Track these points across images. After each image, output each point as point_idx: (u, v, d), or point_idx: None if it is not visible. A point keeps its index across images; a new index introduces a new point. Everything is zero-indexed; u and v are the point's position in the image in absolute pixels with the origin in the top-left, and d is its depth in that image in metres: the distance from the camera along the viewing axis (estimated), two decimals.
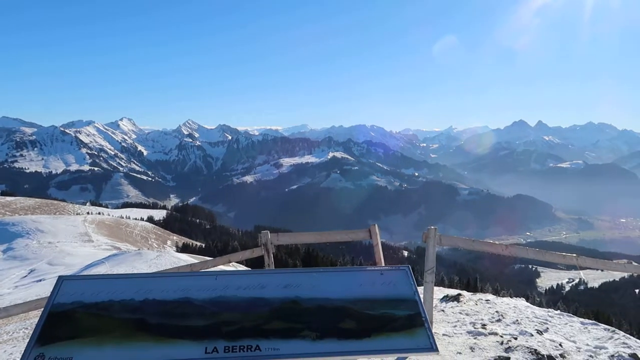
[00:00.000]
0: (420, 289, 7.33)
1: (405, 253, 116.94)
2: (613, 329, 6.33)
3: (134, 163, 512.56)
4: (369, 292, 2.97)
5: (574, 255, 5.21)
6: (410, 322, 2.82)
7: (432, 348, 2.70)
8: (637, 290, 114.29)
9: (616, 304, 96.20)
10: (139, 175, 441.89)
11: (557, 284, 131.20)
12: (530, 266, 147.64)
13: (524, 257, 5.64)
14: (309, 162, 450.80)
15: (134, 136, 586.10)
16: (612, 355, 4.90)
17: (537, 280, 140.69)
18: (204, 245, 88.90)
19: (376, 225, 5.72)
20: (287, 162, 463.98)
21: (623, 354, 4.92)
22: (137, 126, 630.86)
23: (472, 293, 8.59)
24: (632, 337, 6.02)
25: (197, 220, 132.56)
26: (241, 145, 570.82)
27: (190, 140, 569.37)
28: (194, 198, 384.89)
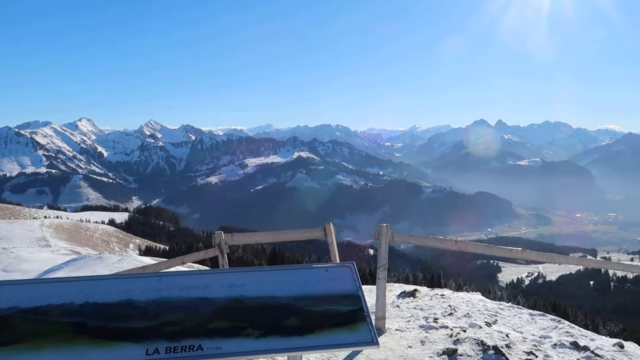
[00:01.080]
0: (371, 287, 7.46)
1: (371, 251, 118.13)
2: (559, 319, 6.61)
3: (94, 165, 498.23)
4: (314, 289, 3.02)
5: (520, 249, 5.42)
6: (353, 317, 2.88)
7: (373, 342, 2.77)
8: (591, 282, 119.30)
9: (573, 296, 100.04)
10: (99, 177, 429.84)
11: (518, 278, 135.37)
12: (491, 261, 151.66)
13: (473, 252, 5.81)
14: (275, 162, 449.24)
15: (93, 137, 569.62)
16: (555, 344, 5.13)
17: (498, 275, 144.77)
18: (168, 247, 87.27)
19: (331, 223, 5.79)
20: (253, 162, 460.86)
21: (565, 342, 5.15)
22: (97, 127, 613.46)
23: (429, 289, 8.78)
24: (575, 327, 6.31)
25: (161, 223, 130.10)
26: (205, 146, 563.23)
27: (153, 140, 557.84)
28: (157, 200, 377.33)
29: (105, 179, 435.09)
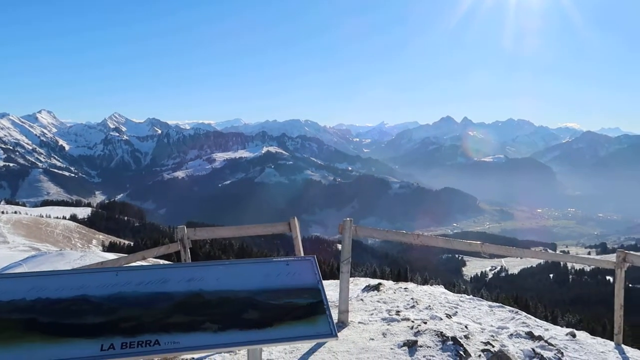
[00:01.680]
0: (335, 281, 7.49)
1: (339, 246, 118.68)
2: (516, 310, 6.83)
3: (55, 158, 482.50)
4: (274, 283, 3.02)
5: (479, 242, 5.57)
6: (313, 310, 2.90)
7: (332, 334, 2.80)
8: (551, 275, 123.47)
9: (534, 288, 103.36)
10: (60, 172, 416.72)
11: (481, 272, 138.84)
12: (456, 256, 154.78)
13: (435, 246, 5.93)
14: (243, 157, 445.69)
15: (54, 130, 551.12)
16: (512, 334, 5.30)
17: (463, 268, 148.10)
18: (132, 243, 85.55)
19: (295, 218, 5.80)
20: (220, 157, 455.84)
21: (521, 333, 5.33)
22: (58, 119, 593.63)
23: (394, 282, 8.92)
24: (531, 317, 6.53)
25: (125, 218, 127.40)
26: (172, 140, 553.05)
27: (117, 134, 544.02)
28: (122, 195, 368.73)
29: (66, 173, 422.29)
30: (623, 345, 5.85)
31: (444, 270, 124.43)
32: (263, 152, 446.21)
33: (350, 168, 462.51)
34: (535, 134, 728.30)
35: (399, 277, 53.34)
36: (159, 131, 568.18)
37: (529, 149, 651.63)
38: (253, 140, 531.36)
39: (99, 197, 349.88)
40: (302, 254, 5.91)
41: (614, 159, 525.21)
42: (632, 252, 6.05)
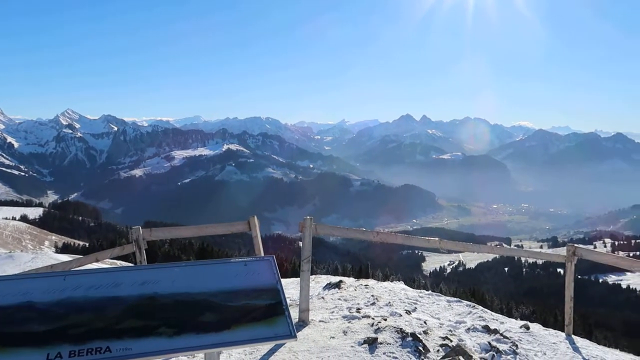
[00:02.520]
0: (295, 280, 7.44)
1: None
2: (473, 304, 6.99)
3: (3, 156, 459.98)
4: (232, 284, 2.95)
5: (437, 239, 5.66)
6: (271, 311, 2.86)
7: (291, 335, 2.77)
8: (506, 269, 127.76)
9: (490, 282, 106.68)
10: (9, 170, 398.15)
11: (440, 267, 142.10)
12: (416, 252, 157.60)
13: (394, 243, 5.99)
14: (203, 155, 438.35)
15: (1, 126, 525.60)
16: (469, 328, 5.41)
17: (422, 264, 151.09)
18: (88, 244, 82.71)
19: (255, 217, 5.72)
20: (180, 154, 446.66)
21: (478, 327, 5.45)
22: (6, 115, 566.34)
23: (355, 279, 8.95)
24: (488, 311, 6.70)
25: (80, 218, 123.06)
26: (129, 137, 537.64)
27: (71, 131, 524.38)
28: (76, 194, 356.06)
29: (16, 172, 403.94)
30: (573, 336, 6.09)
31: (404, 266, 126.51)
32: (224, 149, 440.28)
33: (311, 166, 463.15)
34: (490, 132, 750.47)
35: (360, 273, 53.78)
36: (115, 128, 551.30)
37: (485, 146, 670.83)
38: (213, 137, 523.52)
39: (51, 197, 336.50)
40: (262, 254, 5.85)
41: (563, 156, 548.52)
42: (581, 245, 6.29)
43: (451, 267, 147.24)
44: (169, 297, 2.78)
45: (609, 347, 9.63)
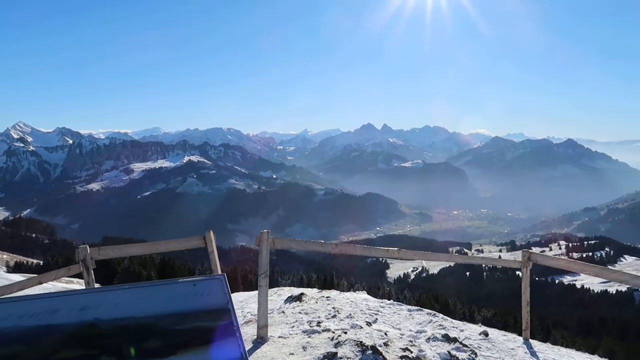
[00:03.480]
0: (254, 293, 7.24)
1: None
2: (434, 312, 7.01)
3: None
4: (180, 306, 2.81)
5: (396, 249, 5.64)
6: (221, 333, 2.73)
7: (241, 358, 2.64)
8: (468, 273, 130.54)
9: (452, 287, 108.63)
10: None
11: (404, 273, 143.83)
12: (381, 259, 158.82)
13: (353, 254, 5.94)
14: (163, 167, 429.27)
15: None
16: (429, 338, 5.40)
17: (387, 271, 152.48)
18: (42, 262, 79.11)
19: (211, 231, 5.55)
20: (139, 167, 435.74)
21: (438, 335, 5.44)
22: None
23: (319, 291, 8.84)
24: (448, 319, 6.73)
25: (33, 235, 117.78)
26: (85, 150, 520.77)
27: (22, 145, 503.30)
28: (29, 210, 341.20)
29: None
30: (531, 340, 6.19)
31: (368, 273, 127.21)
32: (184, 161, 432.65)
33: (274, 176, 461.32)
34: (449, 140, 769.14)
35: (325, 283, 53.62)
36: (70, 141, 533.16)
37: (444, 154, 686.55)
38: (173, 149, 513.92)
39: (1, 214, 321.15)
40: (219, 269, 5.68)
41: (518, 162, 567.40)
42: (535, 250, 6.42)
43: (415, 273, 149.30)
44: (111, 322, 2.61)
45: (565, 346, 9.90)
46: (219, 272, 5.71)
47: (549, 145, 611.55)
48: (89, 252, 4.86)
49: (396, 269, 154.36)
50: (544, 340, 9.56)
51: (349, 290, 9.52)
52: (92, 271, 4.87)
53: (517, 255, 8.77)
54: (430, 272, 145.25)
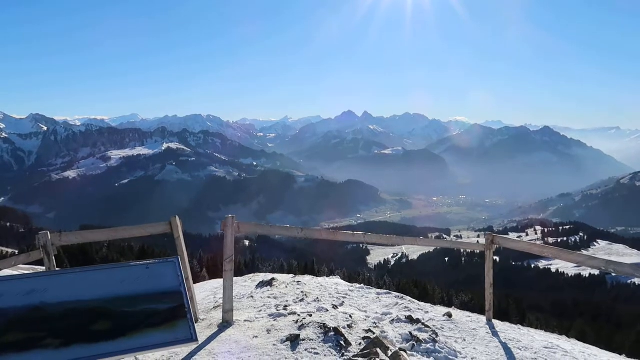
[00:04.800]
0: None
1: (247, 242, 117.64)
2: (402, 295, 7.13)
3: None
4: (131, 289, 2.80)
5: (362, 233, 5.71)
6: (173, 315, 2.74)
7: (192, 338, 2.67)
8: (447, 259, 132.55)
9: (432, 272, 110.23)
10: None
11: (384, 259, 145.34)
12: (361, 245, 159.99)
13: (319, 238, 5.99)
14: (142, 154, 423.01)
15: None
16: (393, 320, 5.50)
17: (367, 257, 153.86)
18: (17, 252, 77.69)
19: (177, 217, 5.52)
20: (116, 154, 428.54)
21: (402, 317, 5.55)
22: None
23: (293, 276, 8.88)
24: (415, 301, 6.85)
25: (8, 224, 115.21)
26: (60, 137, 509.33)
27: None
28: (3, 198, 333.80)
29: None
30: (493, 321, 6.35)
31: (349, 260, 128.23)
32: (163, 148, 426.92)
33: (255, 163, 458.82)
34: (429, 127, 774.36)
35: (306, 269, 53.89)
36: (45, 128, 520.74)
37: (424, 141, 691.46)
38: (152, 136, 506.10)
39: None
40: (186, 255, 5.67)
41: (497, 149, 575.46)
42: (500, 235, 6.57)
43: (395, 259, 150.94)
44: (58, 306, 2.60)
45: (540, 329, 10.17)
46: (186, 258, 5.70)
47: (527, 132, 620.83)
48: (49, 238, 4.80)
49: (377, 255, 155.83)
50: (520, 323, 9.81)
51: (320, 277, 9.58)
52: (54, 257, 4.81)
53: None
54: (410, 258, 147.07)
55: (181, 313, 2.76)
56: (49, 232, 4.88)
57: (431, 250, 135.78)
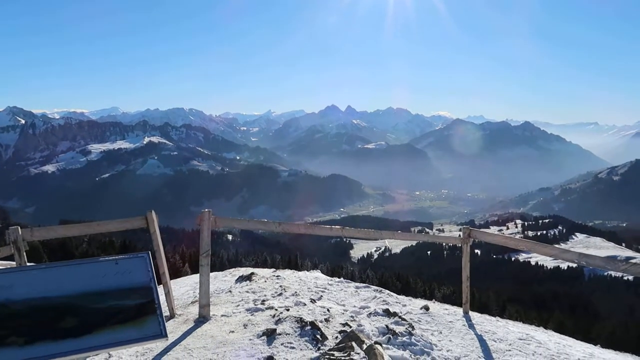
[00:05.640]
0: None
1: (230, 237, 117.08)
2: (380, 289, 7.16)
3: None
4: (100, 285, 2.75)
5: (339, 227, 5.71)
6: (142, 311, 2.70)
7: (161, 334, 2.63)
8: (429, 252, 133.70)
9: (414, 265, 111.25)
10: None
11: (367, 253, 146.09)
12: (344, 239, 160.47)
13: (297, 232, 5.97)
14: (122, 148, 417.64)
15: None
16: (371, 313, 5.52)
17: (350, 251, 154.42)
18: None
19: (153, 212, 5.45)
20: (97, 148, 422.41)
21: (379, 311, 5.57)
22: None
23: (273, 271, 8.86)
24: (393, 295, 6.89)
25: None
26: (38, 131, 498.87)
27: None
28: None
29: None
30: (470, 313, 6.42)
31: (332, 254, 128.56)
32: (145, 142, 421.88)
33: (238, 157, 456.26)
34: (412, 122, 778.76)
35: (289, 264, 53.93)
36: (23, 121, 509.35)
37: (407, 135, 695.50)
38: (133, 130, 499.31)
39: None
40: (162, 250, 5.61)
41: (478, 144, 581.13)
42: (478, 229, 6.63)
43: (378, 253, 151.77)
44: (23, 303, 2.54)
45: (519, 321, 10.31)
46: (162, 253, 5.64)
47: (508, 127, 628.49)
48: (20, 233, 4.69)
49: (360, 249, 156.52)
50: (500, 315, 9.94)
51: (301, 271, 9.57)
52: (25, 253, 4.71)
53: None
54: (393, 252, 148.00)
55: (151, 309, 2.72)
56: (19, 227, 4.77)
57: (414, 244, 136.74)
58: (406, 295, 9.42)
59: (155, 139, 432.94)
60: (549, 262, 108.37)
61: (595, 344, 7.87)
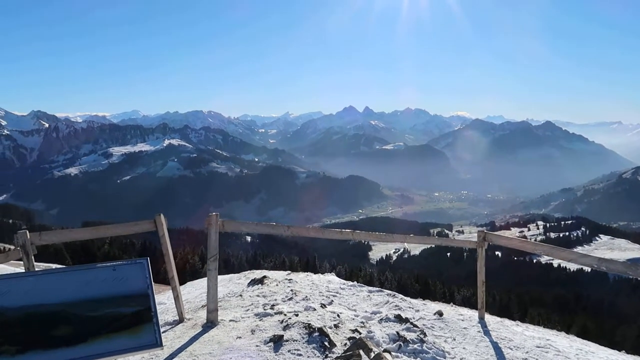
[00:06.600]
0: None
1: (249, 238, 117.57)
2: (394, 293, 7.01)
3: None
4: (96, 292, 2.69)
5: (350, 230, 5.60)
6: (138, 319, 2.64)
7: (157, 344, 2.56)
8: (448, 254, 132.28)
9: (433, 267, 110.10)
10: None
11: (386, 255, 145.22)
12: (363, 241, 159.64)
13: (306, 236, 5.88)
14: (143, 151, 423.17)
15: None
16: (382, 319, 5.39)
17: (369, 253, 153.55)
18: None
19: (162, 215, 5.41)
20: (118, 151, 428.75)
21: (391, 317, 5.44)
22: None
23: (287, 273, 8.78)
24: (407, 299, 6.74)
25: (10, 221, 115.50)
26: (62, 134, 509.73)
27: None
28: (5, 195, 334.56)
29: None
30: (486, 318, 6.23)
31: (350, 255, 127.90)
32: (165, 145, 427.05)
33: (256, 159, 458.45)
34: (430, 122, 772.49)
35: (307, 265, 53.92)
36: (46, 125, 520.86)
37: (426, 136, 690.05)
38: (153, 132, 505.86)
39: None
40: (171, 254, 5.56)
41: (498, 144, 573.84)
42: (490, 232, 6.44)
43: (397, 254, 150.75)
44: (18, 310, 2.51)
45: (542, 324, 10.06)
46: (171, 256, 5.60)
47: (528, 127, 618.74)
48: (28, 237, 4.69)
49: (378, 251, 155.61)
50: (521, 318, 9.71)
51: (315, 274, 9.46)
52: (33, 257, 4.70)
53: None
54: (412, 254, 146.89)
55: (147, 317, 2.65)
56: (27, 231, 4.77)
57: (433, 246, 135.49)
58: (426, 298, 9.27)
59: (175, 142, 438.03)
60: (571, 265, 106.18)
61: (620, 349, 7.60)
